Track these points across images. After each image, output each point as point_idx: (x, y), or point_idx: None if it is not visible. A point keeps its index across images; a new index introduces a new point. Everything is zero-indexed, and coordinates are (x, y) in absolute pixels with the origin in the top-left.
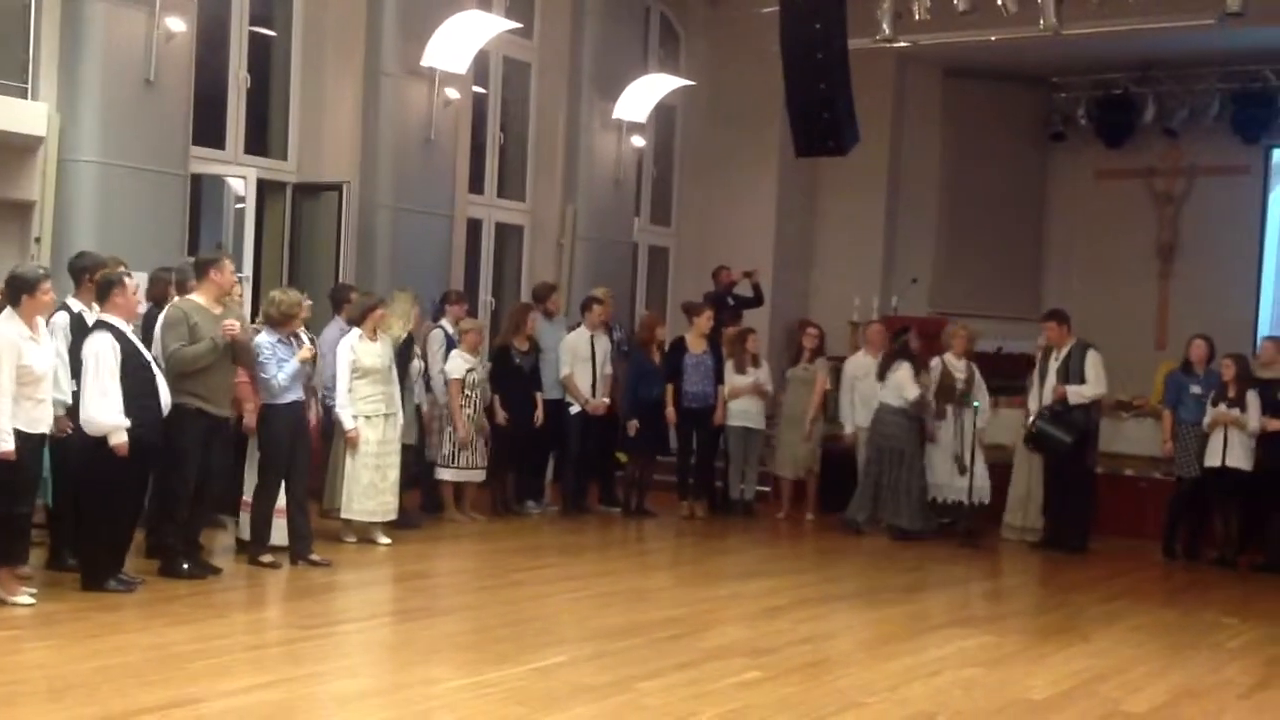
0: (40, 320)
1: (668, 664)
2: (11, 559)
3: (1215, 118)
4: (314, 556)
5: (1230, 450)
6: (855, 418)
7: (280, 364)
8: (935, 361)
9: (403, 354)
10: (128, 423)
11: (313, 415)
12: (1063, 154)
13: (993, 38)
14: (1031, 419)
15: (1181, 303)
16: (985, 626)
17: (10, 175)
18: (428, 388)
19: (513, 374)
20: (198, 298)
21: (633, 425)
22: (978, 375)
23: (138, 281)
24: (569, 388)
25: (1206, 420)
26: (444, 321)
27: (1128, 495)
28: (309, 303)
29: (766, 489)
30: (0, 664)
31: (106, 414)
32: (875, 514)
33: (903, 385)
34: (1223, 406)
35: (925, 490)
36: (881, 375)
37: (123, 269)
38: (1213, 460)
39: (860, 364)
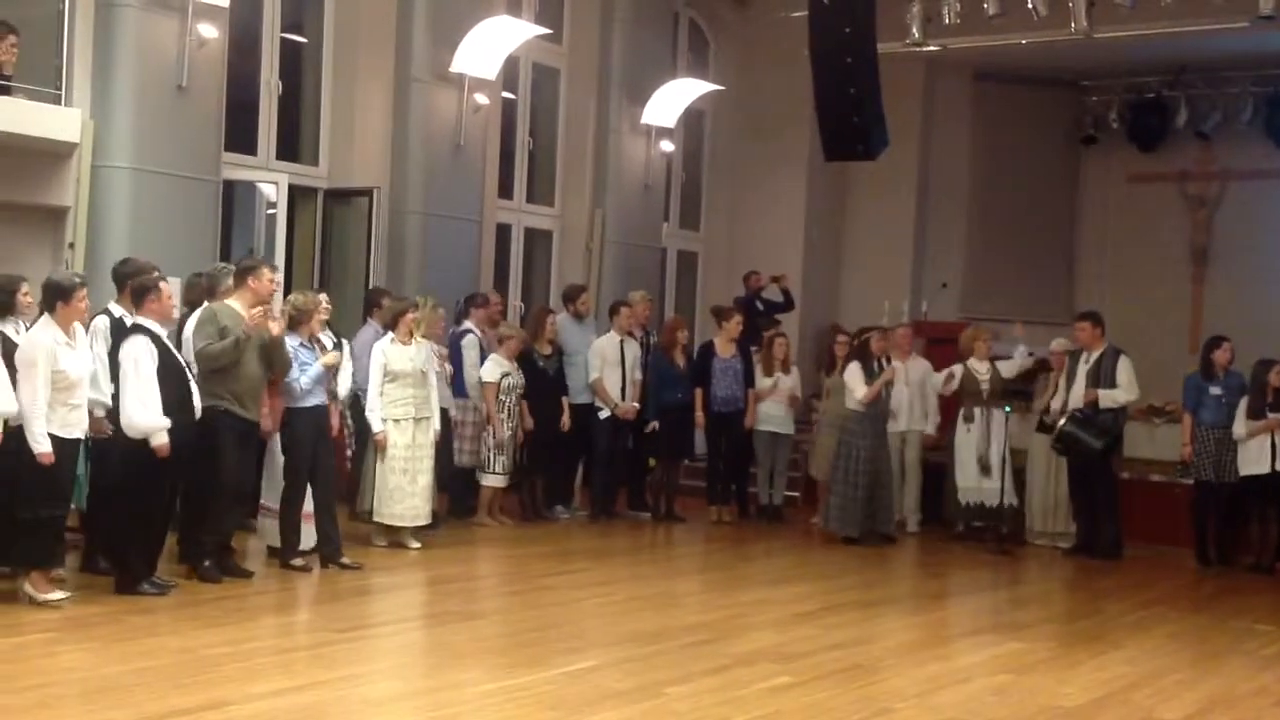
0: (78, 327)
1: (697, 669)
2: (46, 561)
3: (1248, 121)
4: (344, 560)
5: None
6: None
7: (302, 367)
8: (957, 367)
9: None
10: (168, 423)
11: (335, 420)
12: (1094, 158)
13: (1023, 41)
14: (1061, 421)
15: (1214, 307)
16: (1017, 633)
17: (44, 181)
18: (454, 392)
19: (537, 377)
20: (233, 303)
21: (651, 425)
22: (1001, 375)
23: (172, 288)
24: (598, 392)
25: (1243, 429)
26: (469, 323)
27: (1161, 501)
28: (327, 305)
29: (796, 494)
30: (34, 666)
31: (146, 417)
32: (870, 519)
33: (852, 387)
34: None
35: (881, 496)
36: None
37: (157, 274)
38: (1259, 467)
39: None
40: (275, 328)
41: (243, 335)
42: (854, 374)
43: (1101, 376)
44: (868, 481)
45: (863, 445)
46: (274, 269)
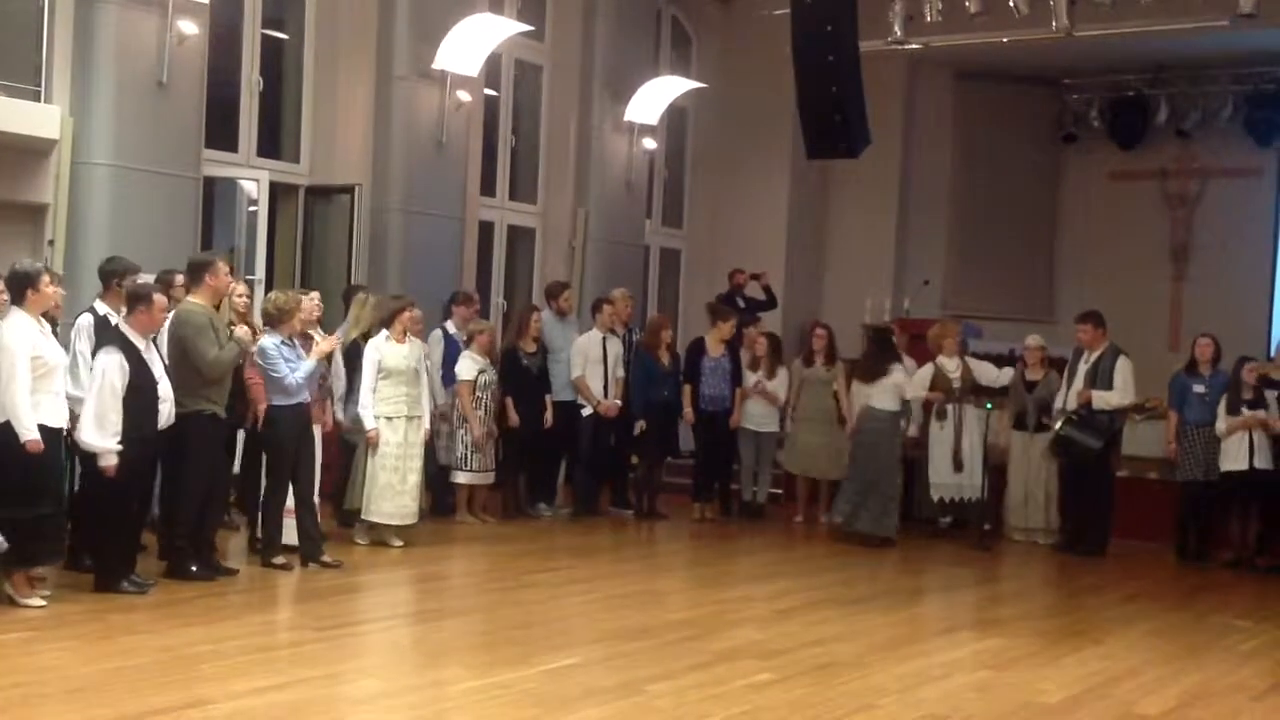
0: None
1: (679, 666)
2: (32, 560)
3: (1228, 119)
4: (326, 558)
5: (1258, 452)
6: None
7: (289, 365)
8: (926, 370)
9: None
10: (118, 446)
11: (329, 417)
12: (1075, 156)
13: (1004, 39)
14: (1058, 424)
15: (1194, 305)
16: (998, 629)
17: (23, 178)
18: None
19: (521, 376)
20: (197, 300)
21: (639, 425)
22: (975, 372)
23: (164, 300)
24: (581, 389)
25: (1223, 425)
26: (448, 323)
27: (1142, 498)
28: (319, 305)
29: (779, 491)
30: (15, 665)
31: (98, 438)
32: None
33: (903, 386)
34: (1245, 410)
35: (895, 496)
36: (872, 376)
37: (145, 278)
38: (1237, 464)
39: None
40: (249, 336)
41: (243, 342)
42: (903, 375)
43: (1099, 377)
44: (886, 480)
45: (888, 445)
46: (227, 260)
